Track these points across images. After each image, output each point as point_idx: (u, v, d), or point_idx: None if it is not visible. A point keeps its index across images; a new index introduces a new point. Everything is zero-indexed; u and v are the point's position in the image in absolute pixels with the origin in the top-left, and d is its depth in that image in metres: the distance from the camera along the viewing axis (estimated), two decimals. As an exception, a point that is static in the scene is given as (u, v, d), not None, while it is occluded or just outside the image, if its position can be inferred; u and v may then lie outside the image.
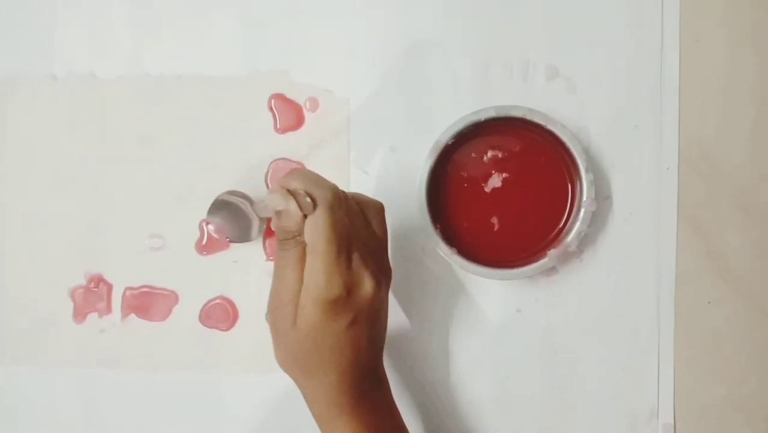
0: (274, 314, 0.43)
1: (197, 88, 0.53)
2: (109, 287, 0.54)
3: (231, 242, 0.51)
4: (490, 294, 0.52)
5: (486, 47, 0.52)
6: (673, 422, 0.52)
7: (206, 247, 0.54)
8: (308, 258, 0.41)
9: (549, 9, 0.52)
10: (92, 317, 0.54)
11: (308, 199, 0.40)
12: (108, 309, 0.54)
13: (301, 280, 0.41)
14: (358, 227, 0.43)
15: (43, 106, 0.54)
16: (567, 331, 0.52)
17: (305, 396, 0.45)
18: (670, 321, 0.52)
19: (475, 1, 0.52)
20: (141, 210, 0.54)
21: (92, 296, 0.54)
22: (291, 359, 0.43)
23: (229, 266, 0.53)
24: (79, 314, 0.54)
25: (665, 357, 0.52)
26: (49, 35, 0.54)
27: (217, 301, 0.54)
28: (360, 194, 0.45)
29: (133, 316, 0.54)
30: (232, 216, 0.50)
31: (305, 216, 0.40)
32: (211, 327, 0.54)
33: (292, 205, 0.40)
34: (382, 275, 0.44)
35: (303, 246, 0.41)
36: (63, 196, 0.54)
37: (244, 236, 0.50)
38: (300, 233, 0.41)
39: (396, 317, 0.53)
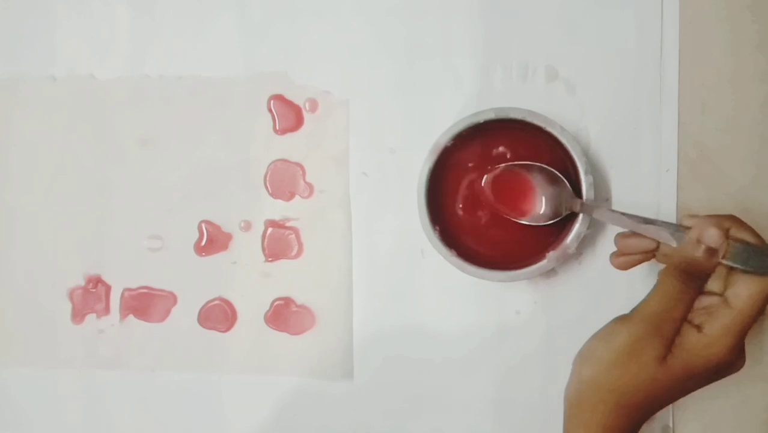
0: (643, 340, 0.40)
1: (196, 89, 0.53)
2: (108, 288, 0.54)
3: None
4: (489, 296, 0.52)
5: (485, 49, 0.52)
6: (671, 424, 0.52)
7: (205, 248, 0.54)
8: (726, 313, 0.39)
9: (549, 10, 0.52)
10: (91, 318, 0.54)
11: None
12: (106, 310, 0.54)
13: (685, 318, 0.40)
14: None
15: (43, 107, 0.54)
16: (566, 333, 0.52)
17: (579, 424, 0.42)
18: (670, 323, 0.52)
19: (475, 2, 0.52)
20: (140, 211, 0.54)
21: (91, 296, 0.54)
22: (617, 388, 0.40)
23: (228, 267, 0.53)
24: (78, 315, 0.54)
25: (664, 359, 0.52)
26: (49, 36, 0.54)
27: (216, 302, 0.54)
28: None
29: (131, 317, 0.54)
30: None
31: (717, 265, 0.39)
32: (209, 328, 0.54)
33: (724, 248, 0.39)
34: None
35: (701, 289, 0.40)
36: (62, 197, 0.54)
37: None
38: (708, 276, 0.40)
39: (394, 319, 0.53)
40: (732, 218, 0.40)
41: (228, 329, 0.54)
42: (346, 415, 0.53)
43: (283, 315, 0.53)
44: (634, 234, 0.43)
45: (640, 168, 0.52)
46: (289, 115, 0.53)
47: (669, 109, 0.51)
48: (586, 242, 0.51)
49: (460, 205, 0.50)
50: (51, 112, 0.54)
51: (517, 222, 0.49)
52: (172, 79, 0.54)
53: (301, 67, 0.53)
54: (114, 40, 0.54)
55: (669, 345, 0.40)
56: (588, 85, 0.52)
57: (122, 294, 0.54)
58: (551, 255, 0.49)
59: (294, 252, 0.53)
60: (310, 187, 0.53)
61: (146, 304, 0.54)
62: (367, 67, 0.53)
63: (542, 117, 0.49)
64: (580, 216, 0.49)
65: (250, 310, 0.53)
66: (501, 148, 0.50)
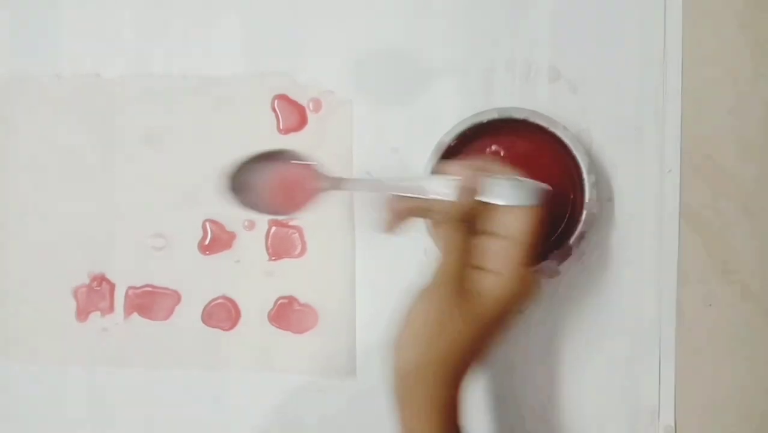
0: (440, 301, 0.40)
1: (201, 88, 0.54)
2: (112, 286, 0.54)
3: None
4: (491, 295, 0.52)
5: (489, 49, 0.52)
6: (674, 424, 0.52)
7: (209, 247, 0.54)
8: (503, 247, 0.40)
9: (552, 11, 0.52)
10: (95, 316, 0.54)
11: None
12: (110, 308, 0.54)
13: (468, 263, 0.41)
14: None
15: (48, 105, 0.55)
16: (568, 332, 0.52)
17: (412, 408, 0.41)
18: (672, 323, 0.52)
19: (478, 2, 0.52)
20: (144, 209, 0.54)
21: (95, 295, 0.54)
22: (434, 358, 0.40)
23: (231, 265, 0.54)
24: (82, 313, 0.55)
25: (666, 359, 0.52)
26: (55, 35, 0.54)
27: (220, 300, 0.54)
28: None
29: (135, 315, 0.54)
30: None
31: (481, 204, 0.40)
32: (213, 327, 0.54)
33: (479, 186, 0.40)
34: None
35: (469, 230, 0.41)
36: (66, 195, 0.55)
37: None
38: (473, 216, 0.41)
39: (397, 318, 0.53)
40: (485, 160, 0.43)
41: (231, 328, 0.54)
42: (348, 413, 0.53)
43: (287, 314, 0.53)
44: (402, 197, 0.43)
45: (643, 168, 0.52)
46: (292, 114, 0.53)
47: (672, 110, 0.52)
48: (588, 243, 0.51)
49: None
50: (56, 110, 0.55)
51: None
52: (177, 78, 0.54)
53: (305, 67, 0.53)
54: (119, 39, 0.54)
55: (465, 296, 0.40)
56: (591, 85, 0.52)
57: (126, 292, 0.54)
58: (554, 255, 0.49)
59: (297, 251, 0.53)
60: (314, 187, 0.53)
61: (150, 302, 0.54)
62: (371, 66, 0.53)
63: (545, 117, 0.49)
64: (583, 216, 0.49)
65: (254, 308, 0.54)
66: (504, 148, 0.50)
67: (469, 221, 0.41)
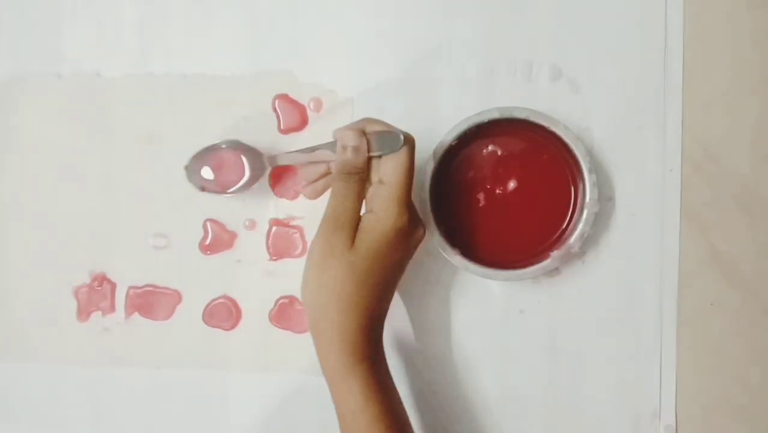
0: (329, 238, 0.45)
1: (202, 87, 0.53)
2: (113, 285, 0.54)
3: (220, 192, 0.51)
4: (493, 295, 0.52)
5: (490, 48, 0.52)
6: (674, 423, 0.52)
7: (210, 247, 0.54)
8: (383, 190, 0.45)
9: (553, 10, 0.52)
10: (96, 315, 0.54)
11: (369, 143, 0.46)
12: (112, 308, 0.54)
13: (358, 210, 0.46)
14: None
15: (49, 104, 0.54)
16: (569, 332, 0.52)
17: (323, 341, 0.45)
18: (673, 322, 0.52)
19: (479, 1, 0.52)
20: (145, 209, 0.54)
21: (96, 294, 0.54)
22: (331, 287, 0.45)
23: (232, 265, 0.54)
24: (83, 313, 0.55)
25: (668, 358, 0.52)
26: (55, 34, 0.54)
27: (221, 300, 0.54)
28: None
29: (136, 315, 0.54)
30: (221, 164, 0.51)
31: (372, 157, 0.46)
32: (214, 326, 0.54)
33: (364, 144, 0.46)
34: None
35: (363, 182, 0.46)
36: (67, 194, 0.54)
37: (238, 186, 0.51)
38: (363, 170, 0.46)
39: (399, 317, 0.53)
40: (365, 119, 0.47)
41: (232, 327, 0.54)
42: (349, 413, 0.53)
43: (287, 313, 0.53)
44: (310, 164, 0.49)
45: (644, 167, 0.52)
46: (293, 114, 0.53)
47: (673, 109, 0.52)
48: (589, 242, 0.51)
49: (465, 205, 0.50)
50: (57, 109, 0.54)
51: (521, 222, 0.50)
52: (178, 78, 0.54)
53: (306, 66, 0.53)
54: (120, 39, 0.54)
55: (352, 234, 0.45)
56: (592, 84, 0.52)
57: (127, 292, 0.54)
58: (555, 254, 0.49)
59: (298, 251, 0.53)
60: (315, 186, 0.53)
61: (151, 302, 0.54)
62: (372, 66, 0.53)
63: (546, 116, 0.49)
64: (584, 215, 0.49)
65: (255, 308, 0.54)
66: (505, 148, 0.50)
67: (357, 173, 0.46)
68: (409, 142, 0.46)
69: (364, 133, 0.46)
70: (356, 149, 0.46)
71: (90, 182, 0.54)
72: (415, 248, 0.47)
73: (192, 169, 0.50)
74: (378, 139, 0.46)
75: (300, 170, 0.51)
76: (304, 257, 0.53)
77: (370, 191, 0.46)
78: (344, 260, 0.44)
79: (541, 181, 0.50)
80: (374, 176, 0.46)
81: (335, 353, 0.45)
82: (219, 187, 0.50)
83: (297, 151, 0.49)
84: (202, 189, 0.50)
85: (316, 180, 0.49)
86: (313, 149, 0.48)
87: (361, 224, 0.45)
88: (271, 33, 0.53)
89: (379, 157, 0.46)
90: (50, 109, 0.54)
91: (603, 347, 0.52)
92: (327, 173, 0.49)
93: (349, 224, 0.45)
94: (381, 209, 0.45)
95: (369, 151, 0.46)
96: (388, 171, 0.45)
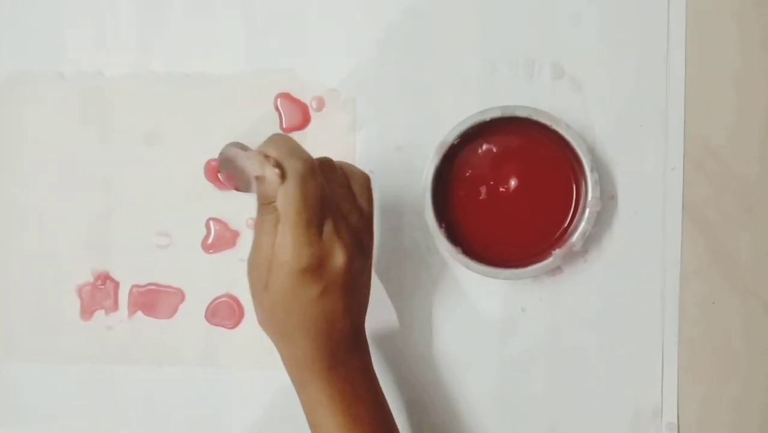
0: (250, 276, 0.43)
1: (203, 86, 0.54)
2: (116, 284, 0.54)
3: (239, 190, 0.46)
4: (494, 293, 0.53)
5: (492, 46, 0.52)
6: (676, 422, 0.52)
7: (213, 245, 0.54)
8: (279, 227, 0.41)
9: (554, 8, 0.52)
10: (99, 314, 0.55)
11: (277, 170, 0.40)
12: (115, 306, 0.55)
13: (274, 246, 0.41)
14: (339, 197, 0.43)
15: (51, 104, 0.55)
16: (571, 330, 0.52)
17: (282, 358, 0.45)
18: (675, 321, 0.52)
19: (481, 0, 0.52)
20: (148, 208, 0.54)
21: (99, 293, 0.55)
22: (266, 321, 0.44)
23: (235, 263, 0.54)
24: (86, 312, 0.55)
25: (669, 356, 0.52)
26: (57, 34, 0.54)
27: (223, 299, 0.54)
28: (349, 165, 0.45)
29: (139, 313, 0.54)
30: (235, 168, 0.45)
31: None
32: (217, 325, 0.54)
33: (269, 172, 0.40)
34: (358, 248, 0.43)
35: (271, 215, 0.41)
36: (69, 193, 0.55)
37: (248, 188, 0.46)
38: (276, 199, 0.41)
39: (400, 316, 0.53)
40: (269, 140, 0.42)
41: (235, 326, 0.54)
42: (352, 410, 0.53)
43: (290, 312, 0.54)
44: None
45: (646, 166, 0.52)
46: (295, 113, 0.53)
47: (675, 107, 0.51)
48: (591, 240, 0.51)
49: (466, 203, 0.51)
50: (59, 109, 0.55)
51: (523, 220, 0.50)
52: (180, 77, 0.54)
53: (308, 65, 0.53)
54: (121, 38, 0.54)
55: (268, 275, 0.42)
56: (594, 82, 0.52)
57: (130, 290, 0.54)
58: (557, 253, 0.49)
59: (301, 249, 0.53)
60: (317, 185, 0.53)
61: (154, 300, 0.54)
62: (374, 65, 0.53)
63: (548, 115, 0.49)
64: (586, 214, 0.49)
65: (257, 306, 0.54)
66: (507, 146, 0.50)
67: (270, 202, 0.41)
68: (294, 172, 0.40)
69: (267, 157, 0.40)
70: (262, 179, 0.40)
71: (92, 181, 0.54)
72: (343, 272, 0.42)
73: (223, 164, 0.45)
74: (271, 169, 0.40)
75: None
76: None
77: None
78: (264, 301, 0.43)
79: (542, 179, 0.50)
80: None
81: (291, 371, 0.45)
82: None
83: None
84: (236, 189, 0.45)
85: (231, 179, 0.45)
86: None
87: (270, 260, 0.41)
88: (272, 32, 0.53)
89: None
90: (52, 108, 0.55)
91: (605, 346, 0.52)
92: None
93: (262, 263, 0.41)
94: (279, 250, 0.41)
95: (283, 177, 0.40)
96: (280, 206, 0.40)
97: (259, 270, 0.42)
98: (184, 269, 0.54)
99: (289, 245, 0.40)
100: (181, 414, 0.54)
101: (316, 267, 0.41)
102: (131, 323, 0.54)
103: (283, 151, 0.41)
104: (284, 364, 0.45)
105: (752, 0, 0.51)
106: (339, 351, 0.44)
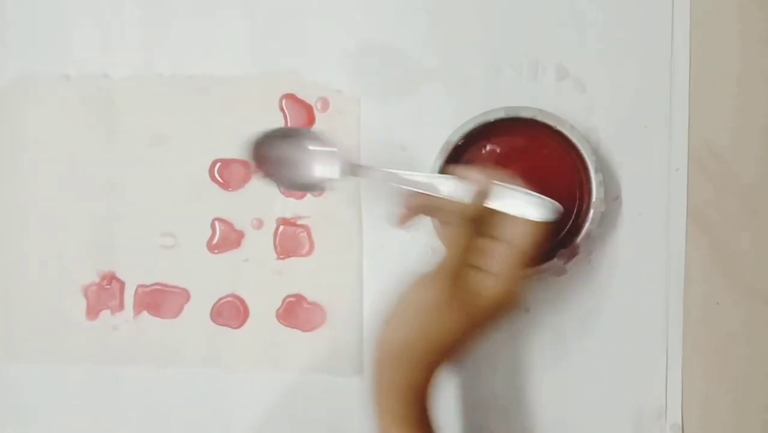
0: (446, 278, 0.42)
1: (208, 88, 0.54)
2: (122, 284, 0.55)
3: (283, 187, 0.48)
4: (498, 294, 0.53)
5: (496, 47, 0.52)
6: (680, 423, 0.52)
7: (218, 245, 0.54)
8: (506, 252, 0.42)
9: (559, 9, 0.52)
10: (105, 314, 0.55)
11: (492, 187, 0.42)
12: (120, 306, 0.55)
13: (464, 260, 0.42)
14: None
15: (56, 106, 0.55)
16: (575, 331, 0.52)
17: (389, 387, 0.43)
18: (679, 322, 0.52)
19: (485, 1, 0.52)
20: (153, 209, 0.54)
21: (105, 293, 0.55)
22: (417, 334, 0.42)
23: (240, 264, 0.54)
24: (92, 312, 0.55)
25: (673, 357, 0.52)
26: (62, 36, 0.55)
27: (228, 299, 0.54)
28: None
29: (145, 313, 0.55)
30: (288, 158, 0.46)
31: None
32: (222, 325, 0.54)
33: (492, 191, 0.42)
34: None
35: (473, 232, 0.43)
36: (76, 194, 0.55)
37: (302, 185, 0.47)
38: (478, 219, 0.43)
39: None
40: (500, 170, 0.44)
41: (240, 326, 0.54)
42: (356, 410, 0.53)
43: (295, 312, 0.54)
44: (418, 193, 0.45)
45: (650, 167, 0.52)
46: (300, 114, 0.53)
47: (679, 108, 0.51)
48: (595, 241, 0.51)
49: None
50: (64, 110, 0.55)
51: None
52: (184, 79, 0.54)
53: (313, 66, 0.53)
54: (126, 40, 0.54)
55: (461, 291, 0.42)
56: (598, 84, 0.52)
57: (136, 291, 0.55)
58: (561, 254, 0.49)
59: (305, 250, 0.54)
60: (322, 186, 0.53)
61: (159, 300, 0.55)
62: (379, 66, 0.53)
63: (552, 116, 0.49)
64: (591, 215, 0.49)
65: (262, 307, 0.54)
66: (511, 147, 0.50)
67: (475, 223, 0.43)
68: (557, 212, 0.43)
69: (492, 183, 0.43)
70: (483, 196, 0.42)
71: (98, 182, 0.55)
72: (504, 318, 0.44)
73: (259, 151, 0.46)
74: (512, 196, 0.43)
75: (406, 197, 0.46)
76: (311, 256, 0.53)
77: (486, 246, 0.43)
78: (445, 318, 0.42)
79: (547, 180, 0.50)
80: (486, 229, 0.43)
81: (393, 399, 0.43)
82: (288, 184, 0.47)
83: (392, 171, 0.45)
84: (266, 176, 0.46)
85: (414, 211, 0.46)
86: (427, 177, 0.45)
87: (468, 282, 0.42)
88: (277, 33, 0.53)
89: (502, 214, 0.43)
90: (57, 110, 0.55)
91: (608, 346, 0.52)
92: (427, 206, 0.45)
93: (460, 278, 0.42)
94: (495, 271, 0.42)
95: (494, 203, 0.42)
96: (514, 234, 0.42)
97: (455, 287, 0.42)
98: (190, 269, 0.54)
99: (514, 272, 0.42)
100: (185, 414, 0.55)
101: (514, 297, 0.43)
102: (137, 323, 0.55)
103: (524, 188, 0.43)
104: (388, 397, 0.43)
105: (756, 2, 0.51)
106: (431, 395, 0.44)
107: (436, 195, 0.44)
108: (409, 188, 0.44)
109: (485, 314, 0.43)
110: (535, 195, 0.43)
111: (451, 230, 0.44)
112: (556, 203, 0.43)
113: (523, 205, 0.43)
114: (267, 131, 0.46)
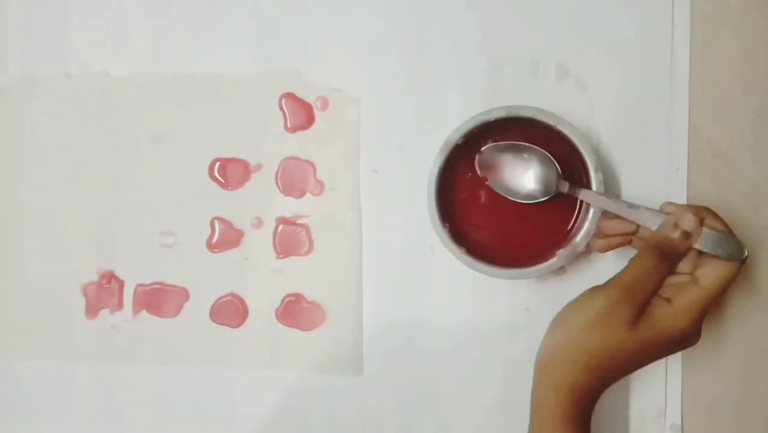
0: (616, 305, 0.43)
1: (209, 87, 0.54)
2: (121, 283, 0.55)
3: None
4: (498, 293, 0.53)
5: (496, 46, 0.52)
6: (680, 423, 0.52)
7: (217, 244, 0.54)
8: (695, 290, 0.43)
9: (559, 8, 0.52)
10: (104, 313, 0.55)
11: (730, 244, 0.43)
12: (120, 305, 0.55)
13: (656, 292, 0.43)
14: None
15: (57, 104, 0.55)
16: (575, 330, 0.52)
17: (549, 381, 0.44)
18: (679, 321, 0.52)
19: (486, 0, 0.52)
20: (153, 207, 0.54)
21: (104, 292, 0.55)
22: (588, 348, 0.43)
23: (239, 263, 0.54)
24: (91, 310, 0.55)
25: (673, 357, 0.52)
26: (64, 34, 0.55)
27: (228, 298, 0.54)
28: None
29: (144, 312, 0.55)
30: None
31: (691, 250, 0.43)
32: (221, 324, 0.54)
33: (698, 233, 0.43)
34: None
35: (673, 268, 0.44)
36: (75, 193, 0.55)
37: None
38: (680, 257, 0.44)
39: (404, 315, 0.53)
40: (707, 209, 0.44)
41: (239, 325, 0.54)
42: (355, 409, 0.53)
43: (294, 311, 0.54)
44: (616, 217, 0.47)
45: (651, 166, 0.52)
46: (300, 113, 0.53)
47: (680, 107, 0.51)
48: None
49: (470, 203, 0.51)
50: (65, 109, 0.55)
51: (526, 220, 0.50)
52: (185, 77, 0.54)
53: (313, 65, 0.53)
54: (127, 38, 0.54)
55: (639, 313, 0.43)
56: (599, 83, 0.52)
57: (135, 290, 0.55)
58: (561, 253, 0.49)
59: (305, 249, 0.54)
60: (321, 185, 0.53)
61: (159, 299, 0.55)
62: (378, 65, 0.53)
63: (552, 115, 0.49)
64: (591, 214, 0.49)
65: (262, 306, 0.54)
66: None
67: (673, 257, 0.44)
68: (736, 266, 0.43)
69: (702, 222, 0.43)
70: (687, 235, 0.43)
71: (98, 181, 0.55)
72: (675, 352, 0.45)
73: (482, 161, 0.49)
74: (713, 237, 0.43)
75: (603, 219, 0.48)
76: (311, 255, 0.53)
77: (676, 280, 0.44)
78: (619, 335, 0.43)
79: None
80: (684, 266, 0.44)
81: (553, 402, 0.44)
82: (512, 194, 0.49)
83: (610, 198, 0.47)
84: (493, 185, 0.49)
85: (615, 237, 0.47)
86: (629, 205, 0.46)
87: (653, 310, 0.43)
88: (277, 32, 0.53)
89: (702, 252, 0.43)
90: (58, 108, 0.55)
91: (609, 346, 0.52)
92: (629, 234, 0.47)
93: (642, 302, 0.43)
94: (684, 309, 0.43)
95: (697, 242, 0.43)
96: (709, 275, 0.43)
97: (631, 305, 0.43)
98: (189, 268, 0.54)
99: (697, 311, 0.43)
100: (185, 413, 0.55)
101: (690, 341, 0.44)
102: (136, 322, 0.55)
103: (729, 228, 0.44)
104: (548, 389, 0.45)
105: (756, 1, 0.51)
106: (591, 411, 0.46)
107: (634, 222, 0.45)
108: (611, 210, 0.46)
109: (661, 343, 0.43)
110: (729, 235, 0.43)
111: (649, 257, 0.44)
112: (742, 244, 0.43)
113: (720, 245, 0.43)
114: (497, 144, 0.49)
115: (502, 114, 0.49)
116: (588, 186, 0.49)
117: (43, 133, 0.55)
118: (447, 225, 0.49)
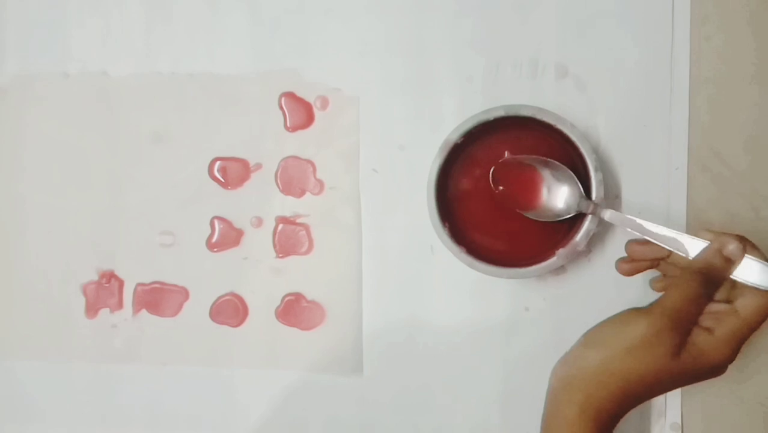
0: (663, 332, 0.42)
1: (208, 86, 0.54)
2: (121, 282, 0.55)
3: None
4: (498, 293, 0.53)
5: (496, 46, 0.52)
6: (680, 422, 0.52)
7: (217, 244, 0.54)
8: (734, 320, 0.42)
9: (559, 7, 0.52)
10: (104, 312, 0.55)
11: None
12: (119, 305, 0.55)
13: (698, 318, 0.42)
14: None
15: (56, 103, 0.55)
16: (575, 329, 0.52)
17: (573, 397, 0.43)
18: (679, 321, 0.52)
19: None
20: (152, 207, 0.54)
21: (104, 291, 0.55)
22: (626, 372, 0.42)
23: (239, 262, 0.54)
24: (91, 310, 0.55)
25: (673, 357, 0.52)
26: (62, 34, 0.55)
27: (228, 297, 0.54)
28: None
29: (144, 312, 0.55)
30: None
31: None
32: (221, 323, 0.54)
33: (741, 262, 0.42)
34: None
35: (713, 295, 0.43)
36: (75, 193, 0.55)
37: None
38: (721, 284, 0.43)
39: (404, 315, 0.53)
40: (745, 238, 0.43)
41: (239, 324, 0.54)
42: (355, 409, 0.53)
43: (294, 310, 0.54)
44: (645, 241, 0.45)
45: (650, 166, 0.52)
46: (299, 112, 0.53)
47: (679, 107, 0.51)
48: (595, 240, 0.51)
49: (470, 202, 0.51)
50: (64, 109, 0.55)
51: (526, 219, 0.50)
52: (184, 77, 0.54)
53: (312, 64, 0.53)
54: (126, 38, 0.54)
55: (683, 343, 0.42)
56: (598, 82, 0.52)
57: (135, 289, 0.55)
58: (561, 253, 0.49)
59: (304, 248, 0.54)
60: (321, 184, 0.53)
61: (158, 299, 0.55)
62: (378, 64, 0.53)
63: (552, 114, 0.49)
64: (590, 214, 0.49)
65: (261, 305, 0.54)
66: (511, 146, 0.50)
67: (715, 283, 0.43)
68: None
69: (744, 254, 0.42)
70: (732, 263, 0.42)
71: (97, 180, 0.55)
72: (706, 379, 0.44)
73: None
74: (757, 267, 0.42)
75: (631, 243, 0.46)
76: (311, 254, 0.53)
77: (714, 308, 0.43)
78: (661, 364, 0.41)
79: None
80: (720, 294, 0.43)
81: (581, 420, 0.43)
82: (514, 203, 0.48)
83: (635, 218, 0.45)
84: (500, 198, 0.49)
85: (643, 261, 0.46)
86: (658, 228, 0.44)
87: (695, 339, 0.42)
88: (277, 31, 0.53)
89: (733, 281, 0.43)
90: (57, 108, 0.55)
91: (608, 345, 0.52)
92: (660, 259, 0.46)
93: (686, 329, 0.42)
94: (724, 339, 0.42)
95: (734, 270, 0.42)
96: (749, 305, 0.42)
97: (677, 333, 0.42)
98: (189, 267, 0.54)
99: (736, 341, 0.42)
100: (185, 412, 0.55)
101: (722, 369, 0.43)
102: (136, 322, 0.55)
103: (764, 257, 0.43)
104: (570, 404, 0.43)
105: (756, 1, 0.51)
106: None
107: (665, 247, 0.44)
108: (639, 234, 0.45)
109: (699, 373, 0.43)
110: None
111: (697, 287, 0.42)
112: None
113: (761, 275, 0.42)
114: (516, 157, 0.49)
115: (501, 113, 0.49)
116: (589, 187, 0.49)
117: (42, 134, 0.55)
118: (447, 224, 0.49)
